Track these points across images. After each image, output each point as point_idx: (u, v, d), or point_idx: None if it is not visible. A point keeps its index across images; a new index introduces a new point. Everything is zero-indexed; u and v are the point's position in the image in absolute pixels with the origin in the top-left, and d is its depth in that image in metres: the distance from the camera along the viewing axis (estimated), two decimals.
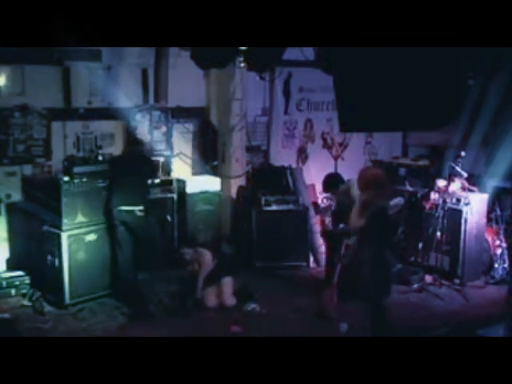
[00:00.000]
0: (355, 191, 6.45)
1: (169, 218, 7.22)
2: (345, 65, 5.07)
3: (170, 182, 7.35)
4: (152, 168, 6.84)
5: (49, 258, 6.29)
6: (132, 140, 7.00)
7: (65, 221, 6.18)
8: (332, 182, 6.72)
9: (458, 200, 7.21)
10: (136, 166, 6.39)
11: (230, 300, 6.39)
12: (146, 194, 6.59)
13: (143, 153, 6.74)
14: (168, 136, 7.75)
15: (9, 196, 6.89)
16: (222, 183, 7.86)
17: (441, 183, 7.35)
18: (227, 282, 6.42)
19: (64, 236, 6.16)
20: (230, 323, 5.93)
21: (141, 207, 6.24)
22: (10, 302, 6.43)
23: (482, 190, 7.37)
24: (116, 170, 6.44)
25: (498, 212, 7.42)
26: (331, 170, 8.43)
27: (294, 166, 8.56)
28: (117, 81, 7.40)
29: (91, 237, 6.36)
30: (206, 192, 7.67)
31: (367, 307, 5.15)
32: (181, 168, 7.91)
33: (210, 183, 7.81)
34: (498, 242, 7.36)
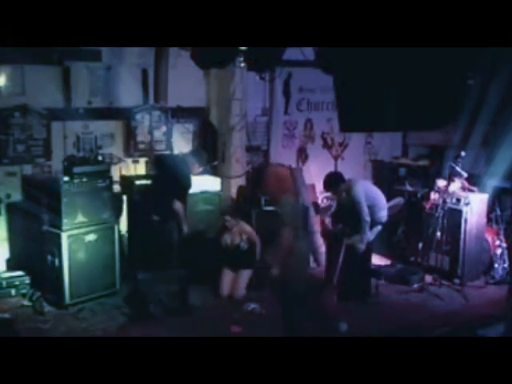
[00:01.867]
0: (355, 191, 6.47)
1: None
2: (345, 65, 5.07)
3: None
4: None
5: (49, 258, 6.29)
6: None
7: (65, 221, 6.19)
8: (333, 181, 6.72)
9: (458, 200, 7.21)
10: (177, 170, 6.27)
11: (242, 292, 6.46)
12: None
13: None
14: (168, 136, 7.75)
15: (9, 196, 6.89)
16: (222, 183, 7.86)
17: (441, 183, 7.35)
18: (245, 275, 6.47)
19: (64, 236, 6.16)
20: (229, 323, 5.94)
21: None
22: (10, 302, 6.43)
23: (481, 190, 7.38)
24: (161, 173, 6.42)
25: (498, 212, 7.42)
26: (331, 169, 8.43)
27: (293, 165, 8.56)
28: (117, 81, 7.40)
29: (91, 237, 6.37)
30: (205, 192, 7.67)
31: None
32: None
33: (210, 183, 7.81)
34: (498, 242, 7.37)
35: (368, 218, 6.37)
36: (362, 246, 6.41)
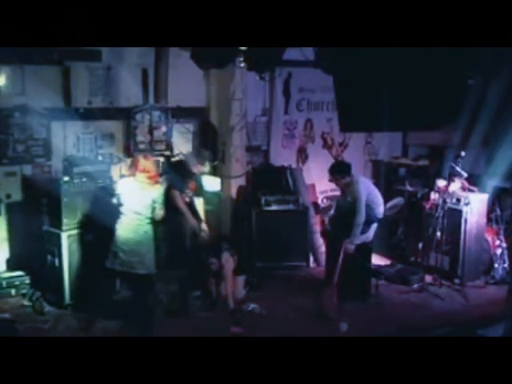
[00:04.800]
0: (357, 188, 6.49)
1: None
2: (344, 65, 5.07)
3: None
4: None
5: (49, 258, 6.29)
6: None
7: (65, 221, 6.18)
8: (340, 169, 6.72)
9: (458, 200, 7.21)
10: None
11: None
12: None
13: None
14: (168, 136, 7.74)
15: (9, 196, 6.88)
16: (222, 183, 7.86)
17: (441, 183, 7.35)
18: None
19: (64, 236, 6.16)
20: (230, 323, 5.94)
21: None
22: (10, 302, 6.43)
23: (481, 190, 7.38)
24: None
25: (498, 212, 7.42)
26: None
27: (293, 166, 8.55)
28: (117, 81, 7.40)
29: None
30: (206, 192, 7.67)
31: None
32: None
33: (210, 183, 7.81)
34: (497, 242, 7.37)
35: (362, 220, 6.36)
36: (352, 247, 6.39)
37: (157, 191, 5.68)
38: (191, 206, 6.66)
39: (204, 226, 6.71)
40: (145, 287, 5.72)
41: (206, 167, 6.71)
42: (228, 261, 6.47)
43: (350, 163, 6.87)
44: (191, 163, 6.54)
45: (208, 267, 6.50)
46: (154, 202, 5.58)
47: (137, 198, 5.56)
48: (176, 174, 6.46)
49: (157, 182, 5.75)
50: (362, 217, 6.36)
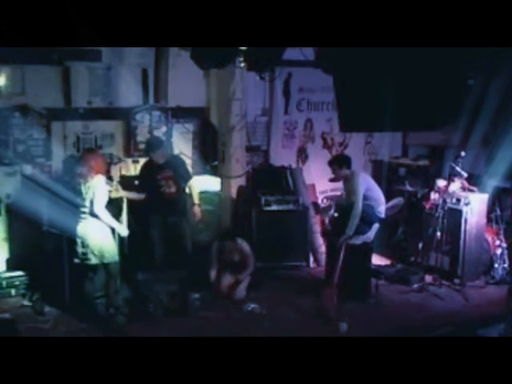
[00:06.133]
0: (356, 180, 6.51)
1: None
2: (345, 65, 5.07)
3: None
4: None
5: (49, 258, 6.29)
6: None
7: None
8: (340, 160, 6.84)
9: (458, 200, 7.21)
10: None
11: (242, 294, 6.55)
12: None
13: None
14: (168, 136, 7.74)
15: (9, 196, 6.89)
16: (222, 183, 7.86)
17: (441, 183, 7.35)
18: (246, 278, 6.57)
19: (64, 236, 6.16)
20: (229, 323, 5.94)
21: None
22: (10, 302, 6.43)
23: (481, 190, 7.38)
24: None
25: (498, 212, 7.41)
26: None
27: (293, 166, 8.55)
28: (117, 81, 7.40)
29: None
30: (206, 192, 7.66)
31: None
32: None
33: (210, 183, 7.81)
34: (497, 242, 7.36)
35: (359, 211, 6.41)
36: (348, 241, 6.41)
37: (94, 183, 5.79)
38: (181, 196, 6.79)
39: (197, 210, 6.87)
40: (107, 278, 6.00)
41: (160, 150, 6.73)
42: (246, 246, 6.69)
43: (350, 158, 6.92)
44: (152, 157, 6.64)
45: (221, 249, 6.61)
46: (93, 194, 5.74)
47: (80, 192, 5.83)
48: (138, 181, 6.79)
49: (96, 175, 5.83)
50: (358, 208, 6.40)
